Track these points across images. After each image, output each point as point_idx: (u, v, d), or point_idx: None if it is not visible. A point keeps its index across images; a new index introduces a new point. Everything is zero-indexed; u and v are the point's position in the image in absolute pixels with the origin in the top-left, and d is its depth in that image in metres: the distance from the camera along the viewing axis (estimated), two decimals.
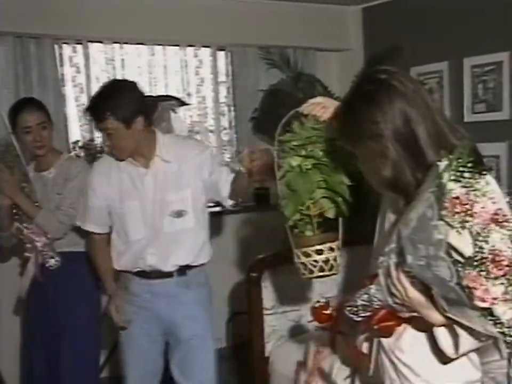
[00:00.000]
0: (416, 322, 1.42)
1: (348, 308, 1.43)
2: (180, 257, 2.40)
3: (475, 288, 1.17)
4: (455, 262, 1.21)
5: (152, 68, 4.09)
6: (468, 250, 1.19)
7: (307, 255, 1.66)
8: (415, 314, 1.36)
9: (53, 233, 2.71)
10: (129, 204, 2.37)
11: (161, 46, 4.12)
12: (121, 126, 2.23)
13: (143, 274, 2.42)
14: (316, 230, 1.68)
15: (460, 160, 1.24)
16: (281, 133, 1.71)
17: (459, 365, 1.41)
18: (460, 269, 1.20)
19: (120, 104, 2.23)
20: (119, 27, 3.79)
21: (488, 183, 1.26)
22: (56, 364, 2.81)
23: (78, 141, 3.77)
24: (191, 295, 2.44)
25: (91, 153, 3.60)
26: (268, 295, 2.91)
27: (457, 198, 1.20)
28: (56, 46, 3.75)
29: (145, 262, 2.39)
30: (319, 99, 1.78)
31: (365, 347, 1.58)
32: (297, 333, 3.01)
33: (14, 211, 2.70)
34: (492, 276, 1.17)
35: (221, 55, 4.40)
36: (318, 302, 1.66)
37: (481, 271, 1.18)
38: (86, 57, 3.87)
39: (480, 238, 1.18)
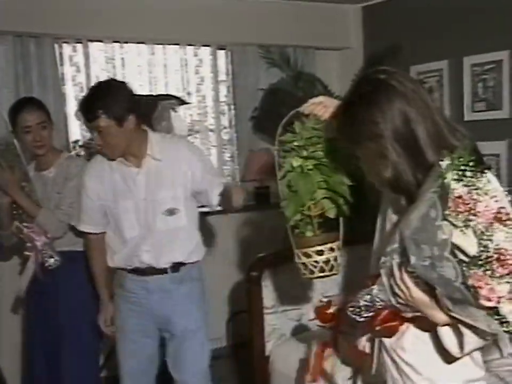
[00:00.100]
0: (418, 321, 1.42)
1: (350, 309, 1.42)
2: (174, 254, 2.44)
3: (480, 288, 1.17)
4: (460, 261, 1.20)
5: (152, 66, 4.09)
6: (473, 249, 1.19)
7: (308, 255, 1.66)
8: (418, 314, 1.37)
9: (52, 232, 2.71)
10: (123, 203, 2.40)
11: (161, 45, 4.12)
12: (113, 124, 2.25)
13: (137, 271, 2.45)
14: (317, 230, 1.69)
15: (461, 159, 1.24)
16: (281, 133, 1.71)
17: (461, 364, 1.41)
18: (464, 268, 1.20)
19: (112, 103, 2.25)
20: (119, 26, 3.79)
21: (490, 181, 1.26)
22: (56, 363, 2.81)
23: (78, 140, 3.77)
24: (185, 289, 2.47)
25: (91, 152, 3.58)
26: (268, 294, 2.92)
27: (460, 197, 1.20)
28: (56, 45, 3.76)
29: (140, 259, 2.42)
30: (319, 98, 1.77)
31: (367, 346, 1.58)
32: (297, 332, 3.01)
33: (14, 210, 2.70)
34: (497, 274, 1.17)
35: (221, 54, 4.40)
36: (321, 301, 1.67)
37: (487, 270, 1.17)
38: (86, 56, 3.87)
39: (485, 237, 1.18)
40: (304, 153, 1.66)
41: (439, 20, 4.00)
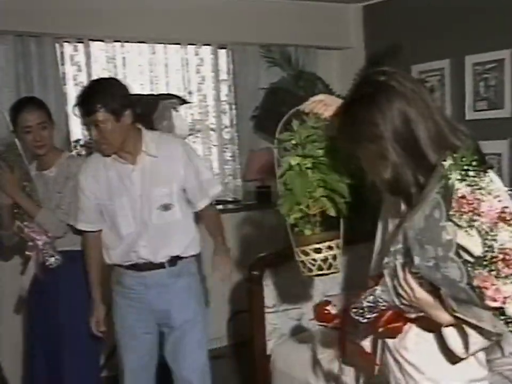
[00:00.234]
0: (421, 321, 1.42)
1: (354, 310, 1.42)
2: (171, 248, 2.46)
3: (486, 288, 1.17)
4: (465, 262, 1.20)
5: (153, 66, 4.09)
6: (477, 249, 1.19)
7: (306, 253, 1.67)
8: (422, 314, 1.36)
9: (53, 232, 2.71)
10: (119, 200, 2.43)
11: (162, 45, 4.12)
12: (111, 118, 2.29)
13: (135, 267, 2.47)
14: (316, 229, 1.68)
15: (464, 159, 1.23)
16: (281, 131, 1.70)
17: (464, 363, 1.41)
18: (469, 269, 1.19)
19: (110, 97, 2.29)
20: (120, 26, 3.79)
21: (492, 181, 1.25)
22: (56, 362, 2.81)
23: (79, 139, 3.76)
24: (182, 283, 2.50)
25: (92, 152, 3.59)
26: (269, 293, 2.91)
27: (463, 197, 1.19)
28: (57, 45, 3.75)
29: (137, 255, 2.44)
30: (320, 97, 1.77)
31: (369, 346, 1.58)
32: (298, 331, 3.01)
33: (15, 210, 2.70)
34: (503, 274, 1.16)
35: (222, 53, 4.40)
36: (320, 301, 1.66)
37: (492, 270, 1.17)
38: (87, 55, 3.86)
39: (489, 237, 1.18)
40: (302, 151, 1.65)
41: (441, 18, 3.99)
